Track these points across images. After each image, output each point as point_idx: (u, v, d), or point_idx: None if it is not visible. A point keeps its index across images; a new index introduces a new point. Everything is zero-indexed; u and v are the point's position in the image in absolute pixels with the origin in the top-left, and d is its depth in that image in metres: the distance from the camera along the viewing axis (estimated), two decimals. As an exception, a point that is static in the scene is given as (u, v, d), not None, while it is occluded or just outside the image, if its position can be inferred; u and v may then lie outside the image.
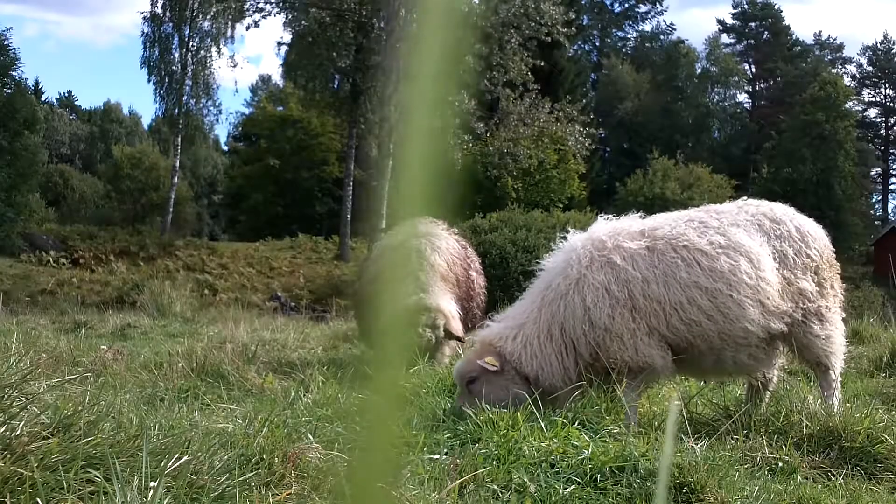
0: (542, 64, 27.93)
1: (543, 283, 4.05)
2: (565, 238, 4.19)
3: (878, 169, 55.41)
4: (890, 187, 56.51)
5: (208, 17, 31.07)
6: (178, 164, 33.77)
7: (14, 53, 24.28)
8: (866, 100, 56.48)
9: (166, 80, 31.90)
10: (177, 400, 4.12)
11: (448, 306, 5.82)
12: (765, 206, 4.21)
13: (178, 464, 2.40)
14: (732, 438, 3.54)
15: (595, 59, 58.25)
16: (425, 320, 5.64)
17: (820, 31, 74.43)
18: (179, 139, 32.40)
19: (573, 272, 3.91)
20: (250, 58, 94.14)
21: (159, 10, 31.28)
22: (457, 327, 5.81)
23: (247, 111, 56.20)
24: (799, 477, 3.21)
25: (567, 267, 3.96)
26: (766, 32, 57.68)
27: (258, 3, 28.34)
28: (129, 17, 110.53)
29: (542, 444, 3.13)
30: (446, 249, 6.35)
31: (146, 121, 60.15)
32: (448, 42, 0.61)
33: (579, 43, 52.90)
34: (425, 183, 0.61)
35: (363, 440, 0.61)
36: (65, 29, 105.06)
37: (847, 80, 51.55)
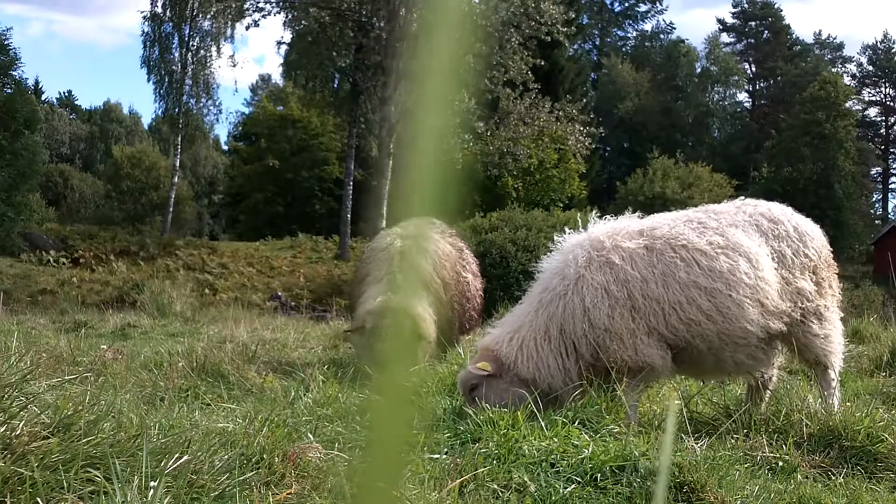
0: (542, 63, 27.90)
1: (541, 286, 4.04)
2: (563, 239, 4.18)
3: (878, 168, 55.38)
4: (890, 187, 56.53)
5: (208, 16, 31.03)
6: (178, 164, 33.79)
7: (14, 53, 24.30)
8: (866, 99, 56.53)
9: (166, 79, 31.93)
10: (177, 400, 4.13)
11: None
12: (762, 206, 4.21)
13: (178, 463, 2.40)
14: (732, 438, 3.54)
15: (595, 58, 58.23)
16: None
17: (820, 31, 74.67)
18: (179, 139, 32.41)
19: (571, 272, 3.90)
20: (253, 58, 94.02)
21: (159, 10, 31.30)
22: (426, 328, 5.79)
23: (247, 111, 56.31)
24: (799, 476, 3.21)
25: (565, 267, 3.95)
26: (766, 32, 57.66)
27: (258, 2, 28.29)
28: (134, 16, 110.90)
29: (543, 444, 3.13)
30: (434, 252, 6.34)
31: (146, 120, 60.31)
32: (455, 41, 0.61)
33: (579, 42, 52.88)
34: (432, 183, 0.61)
35: (368, 441, 0.61)
36: (69, 28, 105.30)
37: (847, 80, 51.63)
